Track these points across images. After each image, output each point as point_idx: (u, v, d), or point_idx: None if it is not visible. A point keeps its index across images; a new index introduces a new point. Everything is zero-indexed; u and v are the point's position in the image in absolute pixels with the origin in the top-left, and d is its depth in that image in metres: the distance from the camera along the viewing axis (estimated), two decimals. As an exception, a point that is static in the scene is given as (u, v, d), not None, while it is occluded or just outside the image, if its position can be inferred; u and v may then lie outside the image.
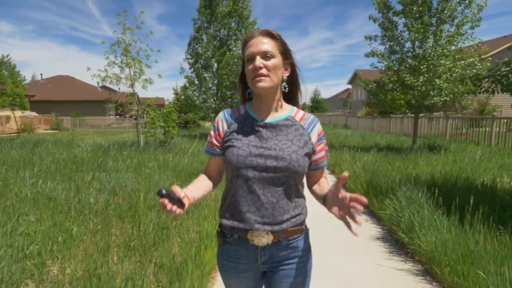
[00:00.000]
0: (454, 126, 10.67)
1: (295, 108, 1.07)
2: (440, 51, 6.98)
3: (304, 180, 1.05)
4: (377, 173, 4.77)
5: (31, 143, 8.67)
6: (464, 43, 7.14)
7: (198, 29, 12.59)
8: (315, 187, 1.07)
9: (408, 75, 7.24)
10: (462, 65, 7.11)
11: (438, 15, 7.11)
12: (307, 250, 1.06)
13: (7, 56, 33.55)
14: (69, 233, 2.67)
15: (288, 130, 1.00)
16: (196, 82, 12.81)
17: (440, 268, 2.33)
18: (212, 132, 1.06)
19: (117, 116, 28.82)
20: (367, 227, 3.45)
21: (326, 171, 1.11)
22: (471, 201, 2.77)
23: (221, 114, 1.07)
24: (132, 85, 8.31)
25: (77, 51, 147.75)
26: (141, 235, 2.71)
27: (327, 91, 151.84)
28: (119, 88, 10.27)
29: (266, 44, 0.95)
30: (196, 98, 12.65)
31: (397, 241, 3.07)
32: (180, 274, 2.08)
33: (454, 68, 7.08)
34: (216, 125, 1.06)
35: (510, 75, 3.62)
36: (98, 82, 31.09)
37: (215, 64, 12.60)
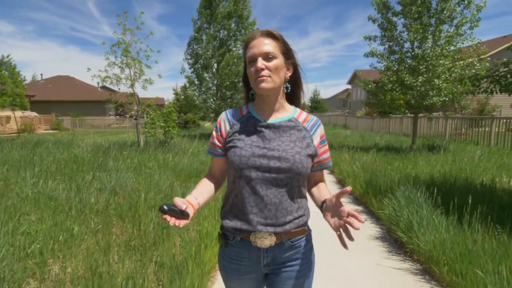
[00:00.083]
0: (454, 126, 10.69)
1: (298, 109, 1.06)
2: (439, 51, 7.00)
3: None
4: (376, 173, 4.78)
5: (31, 143, 8.69)
6: (463, 43, 7.16)
7: (198, 30, 12.61)
8: (314, 190, 1.06)
9: (407, 75, 7.26)
10: (461, 65, 7.14)
11: (437, 16, 7.13)
12: (310, 251, 1.05)
13: (7, 56, 33.60)
14: (70, 233, 2.68)
15: (291, 131, 0.99)
16: (196, 82, 12.83)
17: (438, 267, 2.35)
18: (214, 133, 1.05)
19: (117, 116, 28.84)
20: (366, 227, 3.47)
21: (325, 173, 1.12)
22: (470, 201, 2.79)
23: (223, 115, 1.06)
24: (132, 86, 8.33)
25: (77, 51, 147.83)
26: (142, 235, 2.73)
27: (327, 91, 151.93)
28: (119, 89, 10.29)
29: (268, 45, 0.94)
30: (196, 98, 12.67)
31: (396, 241, 3.09)
32: (181, 273, 2.10)
33: (453, 68, 7.10)
34: (218, 125, 1.05)
35: (508, 76, 3.64)
36: (98, 83, 31.13)
37: (215, 65, 12.62)
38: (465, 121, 10.46)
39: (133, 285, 1.92)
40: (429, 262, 2.49)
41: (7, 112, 16.25)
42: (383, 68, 7.97)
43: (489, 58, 7.30)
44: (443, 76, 7.10)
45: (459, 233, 2.58)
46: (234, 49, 12.60)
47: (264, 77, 0.93)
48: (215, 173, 1.10)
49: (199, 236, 2.74)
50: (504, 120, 8.94)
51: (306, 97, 1.11)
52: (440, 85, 7.03)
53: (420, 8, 7.01)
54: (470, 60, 7.03)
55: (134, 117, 9.52)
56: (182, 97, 14.93)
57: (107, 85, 8.67)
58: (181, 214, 0.83)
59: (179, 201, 0.85)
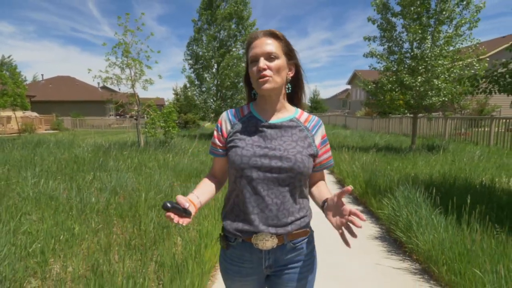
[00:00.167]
0: (453, 126, 10.69)
1: (299, 110, 1.05)
2: (438, 51, 7.02)
3: None
4: (376, 173, 4.80)
5: (32, 143, 8.71)
6: (462, 43, 7.18)
7: (198, 30, 12.64)
8: (314, 190, 1.06)
9: (406, 75, 7.28)
10: (460, 65, 7.15)
11: (436, 16, 7.15)
12: (312, 252, 1.04)
13: (8, 57, 33.55)
14: (71, 232, 2.70)
15: (293, 131, 0.99)
16: (197, 82, 12.86)
17: (437, 267, 2.36)
18: (215, 133, 1.05)
19: (117, 117, 28.88)
20: (365, 227, 3.48)
21: (324, 173, 1.11)
22: (469, 201, 2.80)
23: (224, 115, 1.06)
24: (132, 86, 8.35)
25: (77, 51, 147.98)
26: (142, 234, 2.74)
27: (327, 92, 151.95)
28: (119, 89, 10.34)
29: (270, 45, 0.94)
30: (196, 98, 12.70)
31: (395, 240, 3.10)
32: (181, 272, 2.12)
33: (452, 69, 7.12)
34: (219, 125, 1.04)
35: (507, 76, 3.65)
36: (98, 83, 31.12)
37: (215, 65, 12.65)
38: (464, 121, 10.47)
39: (133, 284, 1.94)
40: (428, 261, 2.50)
41: (8, 112, 16.27)
42: (382, 69, 7.98)
43: (488, 59, 7.31)
44: (442, 76, 7.11)
45: (458, 233, 2.59)
46: (234, 49, 12.63)
47: (266, 77, 0.92)
48: (216, 173, 1.09)
49: (199, 236, 2.75)
50: (504, 120, 8.95)
51: (306, 98, 1.11)
52: (439, 85, 7.04)
53: (419, 9, 7.03)
54: (469, 60, 7.04)
55: (135, 117, 9.53)
56: (182, 97, 14.95)
57: (108, 85, 8.70)
58: (184, 212, 0.83)
59: (182, 199, 0.85)
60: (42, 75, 43.38)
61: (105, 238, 2.65)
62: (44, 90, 28.32)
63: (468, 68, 7.10)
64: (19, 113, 17.05)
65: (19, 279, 2.02)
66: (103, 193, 3.81)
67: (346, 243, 0.86)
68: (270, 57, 0.93)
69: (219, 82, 12.41)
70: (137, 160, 6.15)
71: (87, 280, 1.96)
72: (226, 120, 1.04)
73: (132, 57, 8.16)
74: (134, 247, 2.53)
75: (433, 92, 7.21)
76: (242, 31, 12.57)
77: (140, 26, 8.13)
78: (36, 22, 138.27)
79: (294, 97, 1.07)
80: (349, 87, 35.57)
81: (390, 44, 7.81)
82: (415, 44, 7.40)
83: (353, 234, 0.84)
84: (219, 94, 12.87)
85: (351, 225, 0.84)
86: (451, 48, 7.19)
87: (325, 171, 1.11)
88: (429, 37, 7.17)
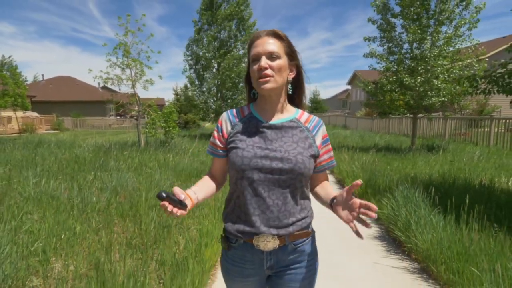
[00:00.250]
0: (453, 126, 10.70)
1: (299, 110, 1.05)
2: (438, 52, 7.03)
3: None
4: (376, 173, 4.81)
5: (33, 143, 8.73)
6: (461, 44, 7.19)
7: (198, 31, 12.67)
8: (318, 189, 1.05)
9: (406, 75, 7.30)
10: (460, 66, 7.17)
11: (435, 17, 7.17)
12: (313, 253, 1.04)
13: (9, 57, 33.58)
14: (72, 231, 2.72)
15: (293, 131, 0.98)
16: (197, 82, 12.89)
17: (436, 266, 2.37)
18: (215, 133, 1.04)
19: (118, 117, 28.90)
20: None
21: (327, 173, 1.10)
22: (467, 200, 2.81)
23: (224, 115, 1.05)
24: (133, 86, 8.38)
25: (78, 52, 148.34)
26: (143, 233, 2.76)
27: (327, 92, 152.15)
28: (119, 89, 10.34)
29: (272, 45, 0.93)
30: (196, 98, 12.72)
31: (394, 240, 3.12)
32: (181, 271, 2.13)
33: (452, 69, 7.13)
34: (219, 125, 1.04)
35: (506, 76, 3.66)
36: (99, 83, 31.15)
37: (216, 65, 12.67)
38: (464, 122, 10.48)
39: (134, 283, 1.96)
40: (426, 260, 2.51)
41: (9, 112, 16.31)
42: (382, 69, 8.00)
43: (487, 59, 7.33)
44: (441, 77, 7.13)
45: (457, 232, 2.60)
46: (234, 50, 12.65)
47: (267, 77, 0.92)
48: (215, 174, 1.09)
49: (199, 235, 2.77)
50: (504, 121, 8.96)
51: (307, 99, 1.11)
52: (439, 85, 7.06)
53: (419, 10, 7.05)
54: (468, 61, 7.06)
55: (135, 117, 9.57)
56: (183, 97, 14.98)
57: (108, 85, 8.73)
58: (179, 203, 0.82)
59: (178, 191, 0.84)
60: (43, 75, 43.35)
61: (106, 237, 2.67)
62: (44, 90, 28.35)
63: (468, 69, 7.11)
64: (20, 113, 17.09)
65: (21, 277, 2.04)
66: (104, 193, 3.83)
67: (358, 235, 0.86)
68: (271, 56, 0.93)
69: (219, 83, 12.43)
70: (137, 160, 6.17)
71: (89, 279, 1.98)
72: (227, 120, 1.03)
73: (132, 57, 8.20)
74: (134, 246, 2.55)
75: (433, 92, 7.23)
76: (243, 32, 12.60)
77: (140, 26, 8.17)
78: (36, 23, 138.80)
79: (295, 98, 1.06)
80: (349, 87, 35.58)
81: (390, 45, 7.84)
82: (414, 44, 7.42)
83: (366, 225, 0.83)
84: (219, 95, 12.89)
85: (363, 217, 0.84)
86: (451, 48, 7.20)
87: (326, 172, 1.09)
88: (428, 37, 7.19)
